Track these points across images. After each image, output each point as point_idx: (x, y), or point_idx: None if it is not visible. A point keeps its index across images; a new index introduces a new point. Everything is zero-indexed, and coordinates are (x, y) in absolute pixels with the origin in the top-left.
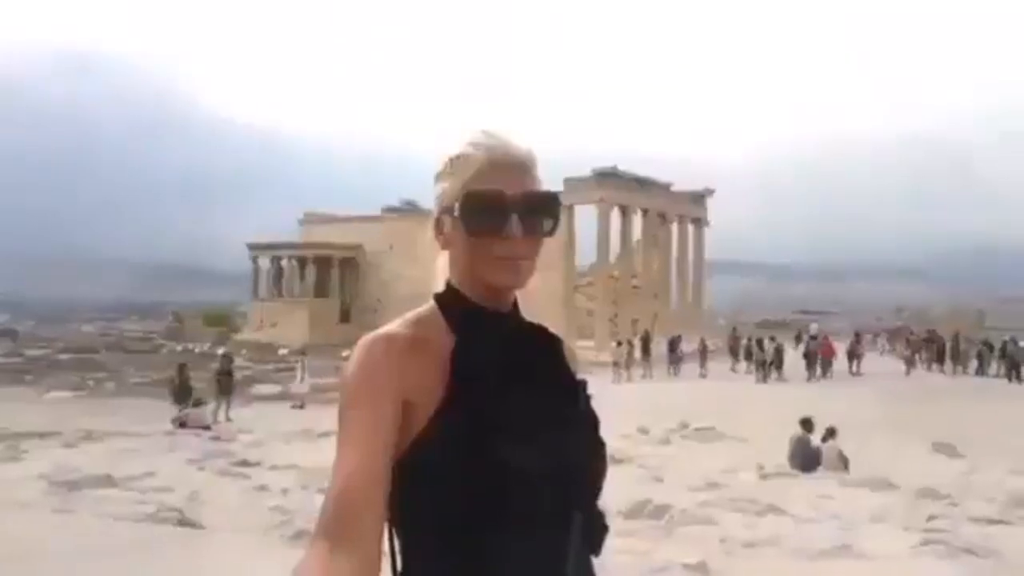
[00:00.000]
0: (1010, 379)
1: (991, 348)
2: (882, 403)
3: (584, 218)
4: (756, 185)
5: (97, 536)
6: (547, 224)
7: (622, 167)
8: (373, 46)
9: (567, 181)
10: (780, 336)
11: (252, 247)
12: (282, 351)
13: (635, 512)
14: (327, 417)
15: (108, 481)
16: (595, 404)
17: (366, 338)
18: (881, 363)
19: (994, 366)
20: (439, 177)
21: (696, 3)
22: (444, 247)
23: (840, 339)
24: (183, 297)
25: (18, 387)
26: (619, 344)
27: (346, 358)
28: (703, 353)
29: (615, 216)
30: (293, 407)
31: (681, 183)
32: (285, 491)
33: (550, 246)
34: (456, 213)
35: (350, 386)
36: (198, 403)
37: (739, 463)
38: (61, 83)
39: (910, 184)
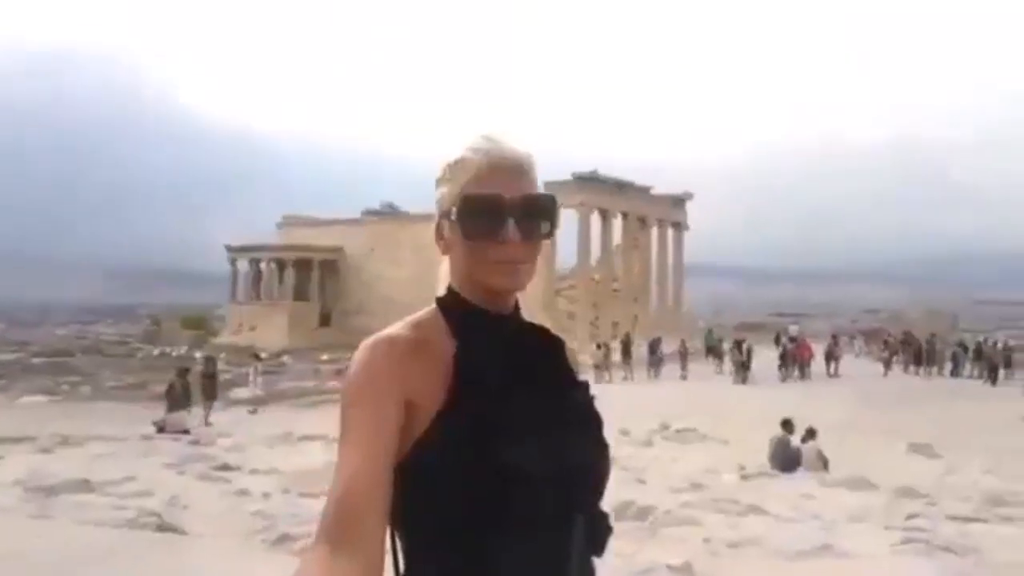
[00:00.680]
0: (989, 380)
1: (966, 349)
2: (860, 404)
3: (564, 221)
4: (733, 189)
5: (76, 542)
6: (545, 227)
7: (602, 171)
8: (359, 47)
9: (547, 184)
10: (759, 338)
11: (231, 249)
12: (262, 355)
13: (619, 514)
14: (307, 420)
15: (85, 486)
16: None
17: (368, 340)
18: (858, 365)
19: (968, 367)
20: (439, 182)
21: (674, 8)
22: (444, 252)
23: (818, 341)
24: (161, 299)
25: None
26: (599, 347)
27: (326, 361)
28: (683, 355)
29: (595, 220)
30: (249, 412)
31: (660, 187)
32: (266, 495)
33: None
34: (454, 217)
35: (352, 388)
36: (174, 407)
37: (720, 464)
38: (38, 82)
39: (885, 188)
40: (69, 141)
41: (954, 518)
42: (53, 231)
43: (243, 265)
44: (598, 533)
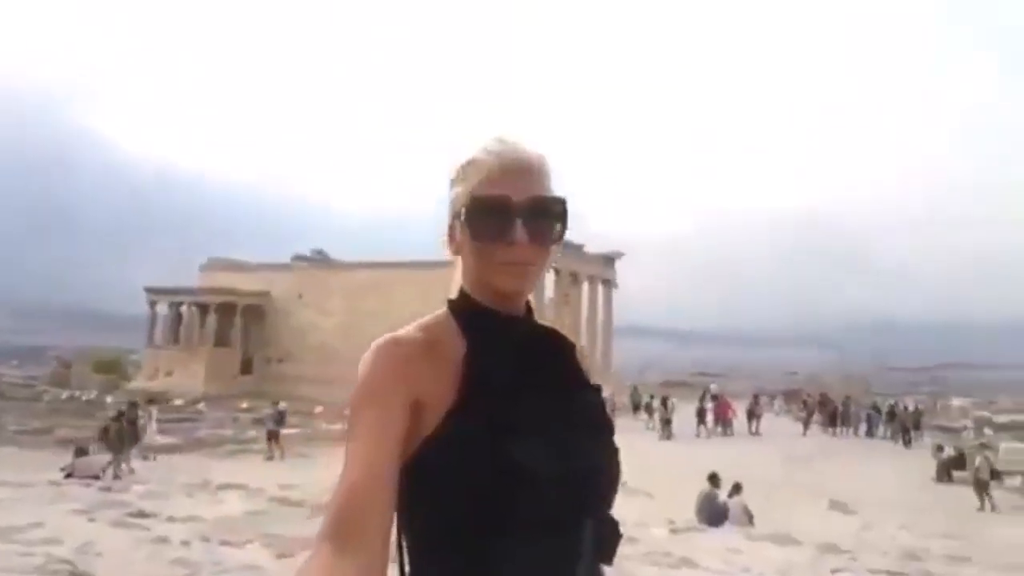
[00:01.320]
0: (902, 441)
1: (879, 411)
2: (781, 461)
3: None
4: (660, 253)
5: None
6: (554, 230)
7: None
8: (290, 88)
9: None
10: (684, 395)
11: (150, 291)
12: (177, 401)
13: None
14: (225, 468)
15: None
16: None
17: (377, 341)
18: (778, 424)
19: (881, 428)
20: (451, 183)
21: (612, 70)
22: (455, 253)
23: (739, 400)
24: (73, 342)
25: None
26: None
27: (245, 409)
28: (611, 409)
29: None
30: (143, 459)
31: (593, 247)
32: (186, 543)
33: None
34: (463, 218)
35: (359, 390)
36: (83, 452)
37: (649, 517)
38: None
39: (806, 258)
40: None
41: (875, 572)
42: None
43: (163, 308)
44: (607, 539)
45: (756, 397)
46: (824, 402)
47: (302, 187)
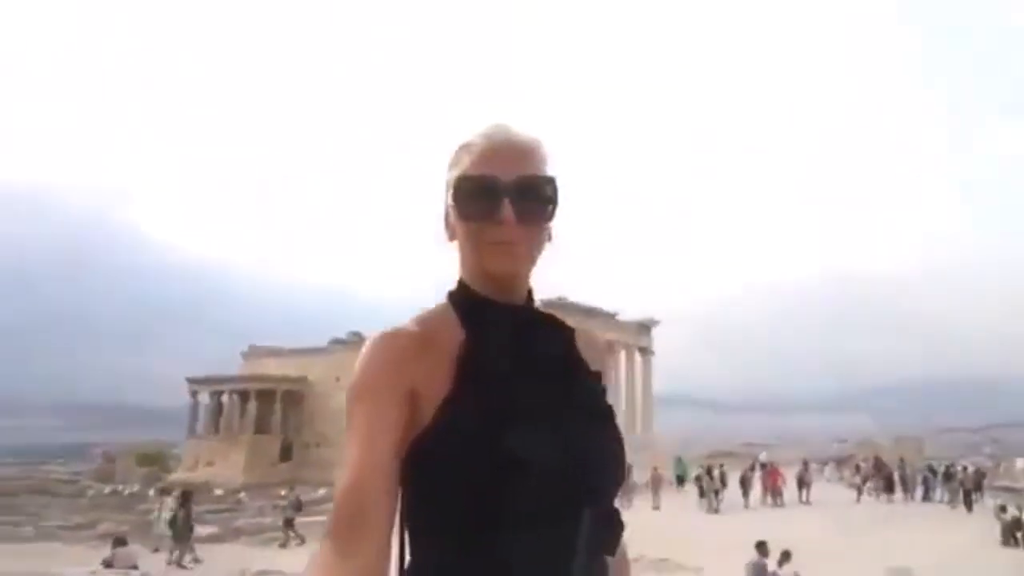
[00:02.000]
0: (964, 505)
1: (935, 473)
2: (835, 529)
3: None
4: (693, 321)
5: None
6: (544, 210)
7: (571, 297)
8: (323, 178)
9: None
10: (732, 465)
11: (192, 381)
12: (217, 492)
13: None
14: (264, 557)
15: None
16: None
17: (374, 335)
18: (830, 491)
19: (939, 492)
20: (448, 168)
21: (656, 128)
22: (451, 239)
23: (788, 468)
24: (116, 437)
25: None
26: None
27: (283, 496)
28: (656, 483)
29: None
30: (103, 562)
31: (626, 314)
32: None
33: None
34: (451, 199)
35: (356, 384)
36: (121, 542)
37: None
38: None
39: (847, 322)
40: (20, 274)
41: None
42: (1, 368)
43: (204, 398)
44: (607, 530)
45: (806, 464)
46: (878, 467)
47: (334, 275)
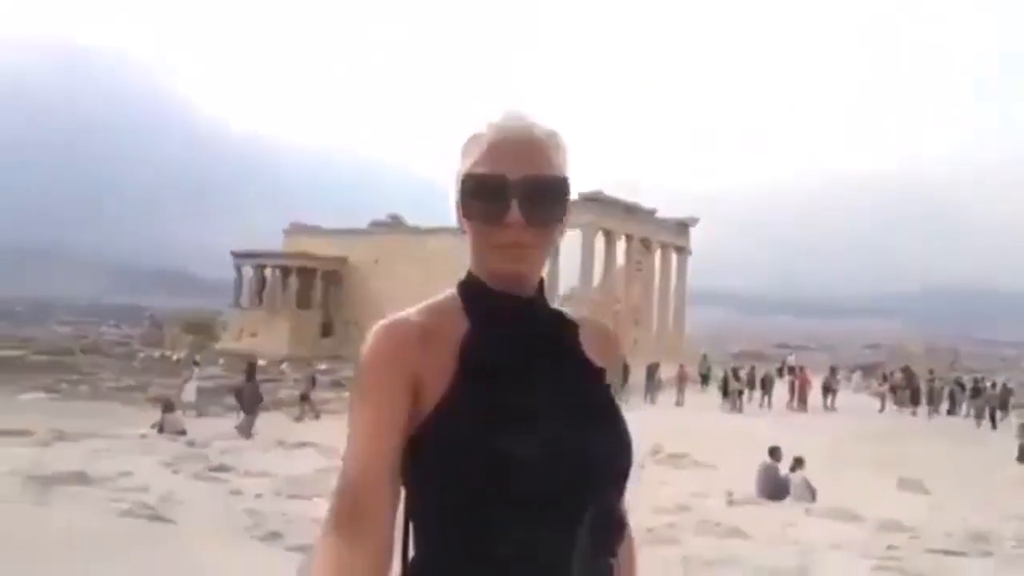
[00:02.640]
0: (989, 421)
1: (963, 388)
2: (854, 438)
3: (568, 241)
4: (739, 217)
5: (75, 528)
6: (554, 211)
7: (608, 191)
8: (374, 59)
9: None
10: (760, 367)
11: (236, 255)
12: (261, 362)
13: None
14: (301, 428)
15: (83, 479)
16: None
17: (379, 325)
18: (856, 399)
19: (965, 407)
20: (460, 157)
21: (697, 35)
22: (462, 229)
23: (817, 374)
24: (163, 302)
25: None
26: None
27: (324, 371)
28: (681, 381)
29: (599, 240)
30: (153, 426)
31: (666, 210)
32: (258, 496)
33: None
34: (458, 197)
35: (361, 373)
36: (170, 408)
37: (709, 489)
38: (54, 78)
39: (890, 221)
40: (77, 139)
41: (933, 551)
42: (57, 229)
43: (248, 271)
44: (605, 531)
45: (833, 370)
46: (906, 377)
47: (380, 151)
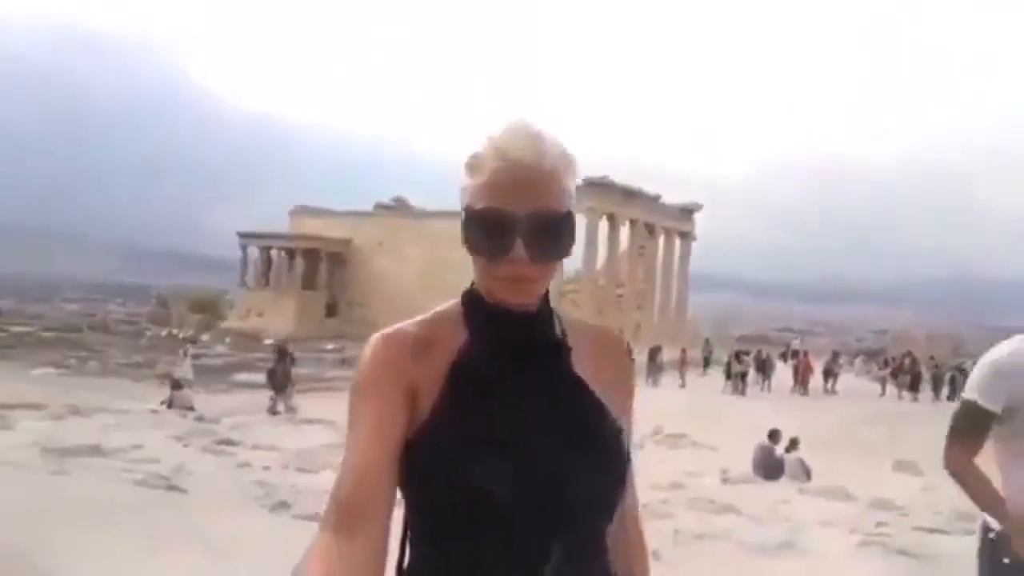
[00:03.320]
0: None
1: (964, 374)
2: (852, 421)
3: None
4: (745, 201)
5: (91, 495)
6: (559, 247)
7: (613, 176)
8: (380, 41)
9: None
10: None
11: (242, 235)
12: (267, 341)
13: None
14: (308, 405)
15: (97, 451)
16: None
17: (377, 335)
18: (857, 383)
19: None
20: (463, 176)
21: (698, 16)
22: (467, 249)
23: (819, 357)
24: (171, 281)
25: (3, 362)
26: None
27: (330, 351)
28: (683, 364)
29: (603, 225)
30: (163, 402)
31: (670, 196)
32: (266, 468)
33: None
34: (461, 226)
35: (359, 381)
36: (178, 385)
37: (705, 468)
38: (63, 58)
39: (897, 207)
40: (87, 120)
41: (920, 528)
42: (66, 209)
43: (253, 252)
44: (579, 563)
45: (835, 355)
46: (907, 362)
47: (387, 131)
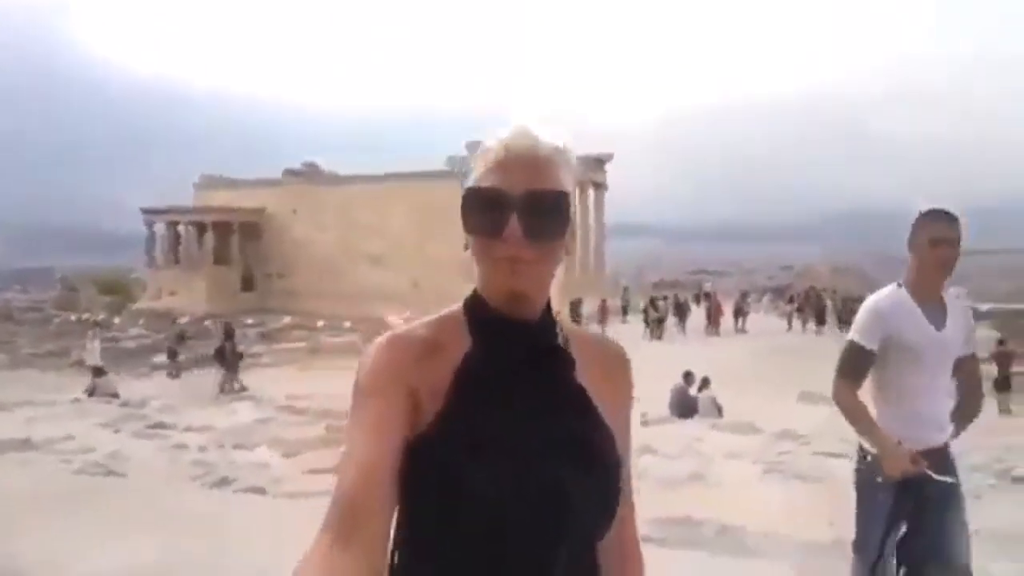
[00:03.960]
0: None
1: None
2: (760, 357)
3: None
4: (652, 149)
5: (35, 489)
6: (555, 225)
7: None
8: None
9: (469, 145)
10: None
11: (147, 212)
12: (183, 320)
13: None
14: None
15: (28, 445)
16: None
17: (380, 338)
18: (766, 321)
19: None
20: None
21: None
22: (466, 247)
23: (730, 298)
24: (72, 262)
25: None
26: None
27: (251, 325)
28: (603, 314)
29: None
30: (85, 391)
31: (580, 147)
32: (202, 448)
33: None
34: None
35: (361, 384)
36: (100, 372)
37: None
38: None
39: (802, 144)
40: None
41: (819, 454)
42: None
43: (160, 228)
44: (578, 570)
45: (743, 295)
46: (811, 297)
47: (292, 93)
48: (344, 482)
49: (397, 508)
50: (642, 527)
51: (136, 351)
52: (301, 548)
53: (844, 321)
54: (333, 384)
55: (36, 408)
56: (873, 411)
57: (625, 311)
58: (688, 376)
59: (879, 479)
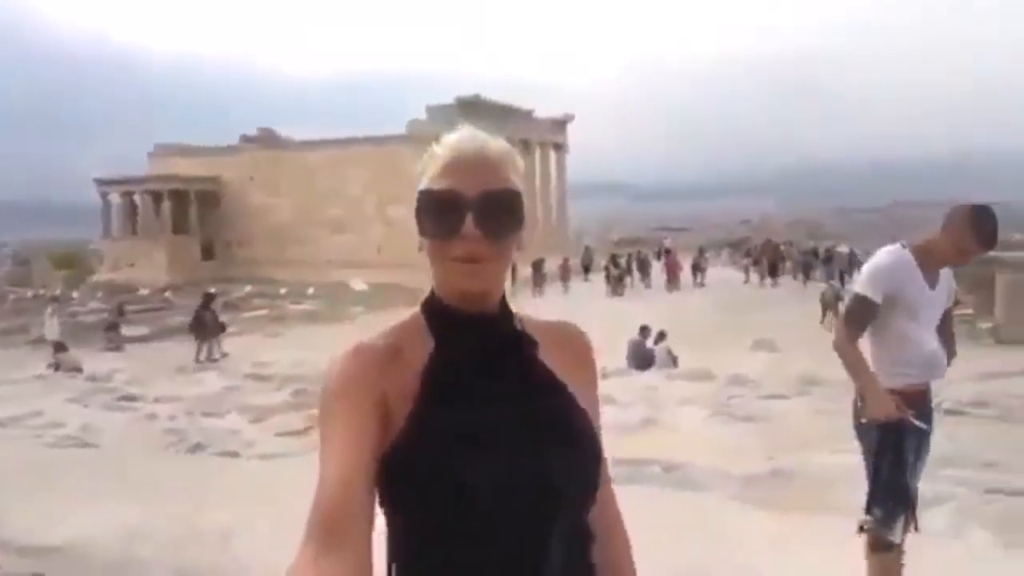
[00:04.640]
0: (841, 284)
1: (817, 256)
2: (717, 309)
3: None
4: (613, 108)
5: (7, 463)
6: (509, 224)
7: (484, 94)
8: None
9: (429, 109)
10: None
11: (101, 182)
12: (143, 291)
13: None
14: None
15: None
16: None
17: (345, 349)
18: (724, 274)
19: (819, 274)
20: (417, 177)
21: None
22: (420, 249)
23: (689, 253)
24: (22, 236)
25: None
26: None
27: (213, 294)
28: (565, 272)
29: None
30: (49, 366)
31: (542, 109)
32: (172, 418)
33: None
34: (415, 214)
35: (329, 395)
36: (62, 347)
37: None
38: None
39: (763, 101)
40: None
41: (764, 397)
42: None
43: (115, 198)
44: (572, 549)
45: (701, 250)
46: (765, 250)
47: (251, 55)
48: (323, 492)
49: (387, 521)
50: None
51: (96, 325)
52: (278, 504)
53: (803, 272)
54: (298, 351)
55: (0, 387)
56: (868, 357)
57: (587, 269)
58: (644, 330)
59: (864, 420)
